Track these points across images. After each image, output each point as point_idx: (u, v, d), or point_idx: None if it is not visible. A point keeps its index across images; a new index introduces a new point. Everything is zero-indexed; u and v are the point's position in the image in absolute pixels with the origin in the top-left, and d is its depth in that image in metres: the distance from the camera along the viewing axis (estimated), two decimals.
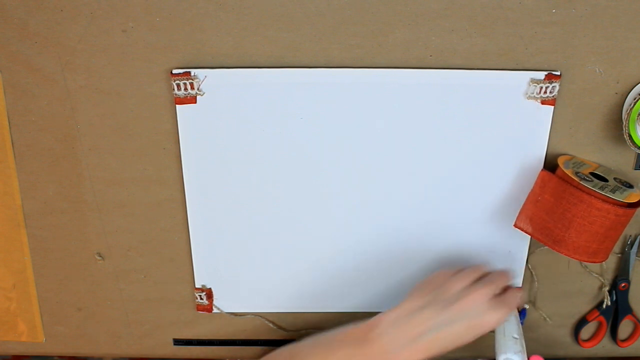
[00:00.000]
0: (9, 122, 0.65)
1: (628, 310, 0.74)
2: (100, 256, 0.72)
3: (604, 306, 0.73)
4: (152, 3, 0.59)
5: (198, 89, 0.62)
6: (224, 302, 0.74)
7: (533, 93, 0.62)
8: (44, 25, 0.60)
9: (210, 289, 0.73)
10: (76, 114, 0.64)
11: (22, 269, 0.72)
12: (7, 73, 0.63)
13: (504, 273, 0.65)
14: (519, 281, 0.72)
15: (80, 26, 0.60)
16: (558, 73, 0.61)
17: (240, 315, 0.75)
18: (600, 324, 0.75)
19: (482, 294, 0.61)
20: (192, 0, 0.59)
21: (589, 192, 0.60)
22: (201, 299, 0.73)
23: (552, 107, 0.62)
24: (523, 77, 0.61)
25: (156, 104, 0.64)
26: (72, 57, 0.62)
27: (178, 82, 0.62)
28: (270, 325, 0.75)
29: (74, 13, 0.60)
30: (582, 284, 0.73)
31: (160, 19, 0.60)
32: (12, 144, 0.66)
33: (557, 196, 0.62)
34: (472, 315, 0.60)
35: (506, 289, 0.64)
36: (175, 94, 0.62)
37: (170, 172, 0.67)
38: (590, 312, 0.74)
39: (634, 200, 0.60)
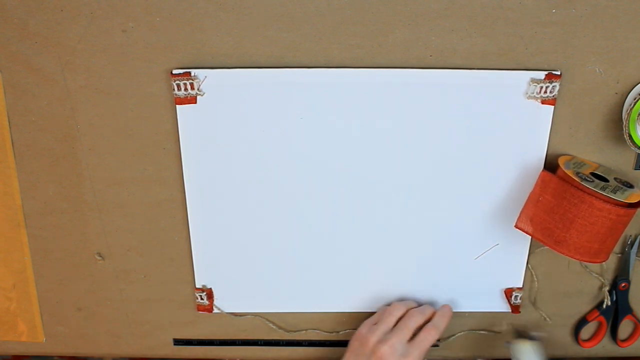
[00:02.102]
0: (9, 122, 0.65)
1: (628, 310, 0.74)
2: (100, 256, 0.72)
3: (604, 306, 0.73)
4: (152, 3, 0.59)
5: (198, 89, 0.62)
6: (224, 302, 0.74)
7: (533, 93, 0.62)
8: (44, 25, 0.60)
9: (210, 289, 0.73)
10: (76, 114, 0.64)
11: (22, 269, 0.72)
12: (7, 73, 0.63)
13: (420, 311, 0.69)
14: (519, 281, 0.72)
15: (80, 26, 0.60)
16: (558, 73, 0.61)
17: (240, 316, 0.75)
18: (600, 324, 0.75)
19: (392, 345, 0.65)
20: (192, 0, 0.59)
21: (590, 193, 0.60)
22: (201, 299, 0.73)
23: (552, 106, 0.62)
24: (523, 77, 0.61)
25: (156, 104, 0.64)
26: (72, 57, 0.62)
27: (178, 82, 0.62)
28: (270, 325, 0.75)
29: (74, 13, 0.60)
30: (582, 284, 0.73)
31: (160, 19, 0.60)
32: (12, 144, 0.66)
33: (558, 197, 0.62)
34: None
35: (422, 327, 0.68)
36: (176, 94, 0.62)
37: (170, 172, 0.67)
38: (590, 312, 0.74)
39: (634, 200, 0.60)
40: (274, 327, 0.75)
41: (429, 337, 0.66)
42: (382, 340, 0.65)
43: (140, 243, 0.71)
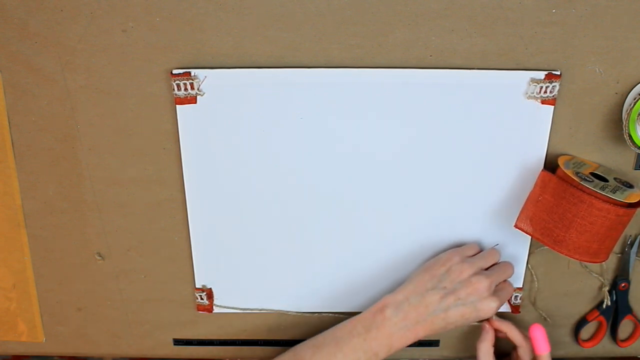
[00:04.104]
0: (9, 122, 0.65)
1: (628, 310, 0.74)
2: (100, 256, 0.72)
3: (604, 306, 0.73)
4: (152, 3, 0.59)
5: (198, 89, 0.62)
6: (224, 302, 0.74)
7: (533, 93, 0.62)
8: (44, 25, 0.60)
9: (210, 289, 0.73)
10: (76, 114, 0.64)
11: (22, 269, 0.72)
12: (7, 73, 0.63)
13: (507, 266, 0.69)
14: (519, 281, 0.72)
15: (80, 26, 0.60)
16: (558, 73, 0.61)
17: (241, 314, 0.75)
18: (600, 324, 0.75)
19: (486, 286, 0.64)
20: (192, 0, 0.59)
21: (590, 193, 0.60)
22: (201, 299, 0.73)
23: (552, 106, 0.62)
24: (523, 77, 0.61)
25: (156, 104, 0.64)
26: (72, 57, 0.62)
27: (178, 82, 0.62)
28: (280, 310, 0.74)
29: (74, 13, 0.60)
30: (582, 284, 0.73)
31: (160, 19, 0.60)
32: (12, 144, 0.66)
33: (558, 196, 0.62)
34: (472, 303, 0.64)
35: (502, 282, 0.68)
36: (176, 94, 0.62)
37: (170, 172, 0.67)
38: (590, 312, 0.74)
39: (634, 200, 0.60)
40: (284, 310, 0.74)
41: (509, 293, 0.68)
42: (475, 277, 0.64)
43: (140, 243, 0.71)
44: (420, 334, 0.64)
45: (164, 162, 0.66)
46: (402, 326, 0.64)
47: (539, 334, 0.67)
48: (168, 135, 0.65)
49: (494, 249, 0.69)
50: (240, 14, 0.59)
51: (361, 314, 0.66)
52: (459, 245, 0.69)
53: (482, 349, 0.69)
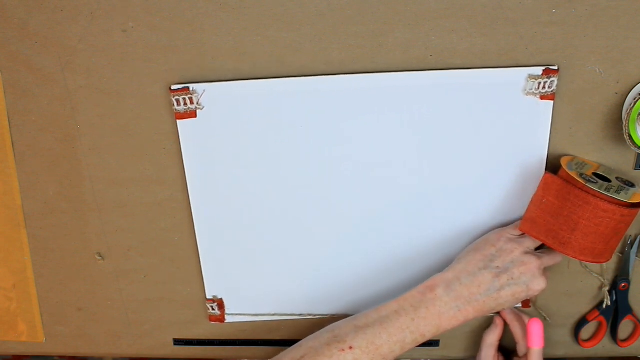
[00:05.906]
0: (9, 122, 0.65)
1: (628, 310, 0.74)
2: (100, 256, 0.72)
3: (604, 306, 0.73)
4: (152, 3, 0.59)
5: (197, 103, 0.62)
6: (235, 311, 0.73)
7: (532, 89, 0.62)
8: (44, 25, 0.60)
9: (221, 299, 0.72)
10: (76, 114, 0.64)
11: (22, 269, 0.72)
12: (7, 73, 0.63)
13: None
14: None
15: (80, 26, 0.60)
16: (555, 67, 0.61)
17: (252, 320, 0.74)
18: (600, 324, 0.75)
19: (537, 265, 0.63)
20: (192, 0, 0.59)
21: (595, 194, 0.60)
22: (213, 309, 0.73)
23: (552, 101, 0.62)
24: (521, 74, 0.61)
25: (156, 104, 0.64)
26: (72, 57, 0.62)
27: (177, 97, 0.61)
28: (292, 318, 0.74)
29: (74, 13, 0.60)
30: (582, 284, 0.73)
31: (160, 19, 0.60)
32: (12, 144, 0.66)
33: (562, 198, 0.61)
34: (524, 283, 0.63)
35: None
36: (175, 110, 0.62)
37: (170, 172, 0.67)
38: (590, 312, 0.74)
39: (638, 200, 0.60)
40: (295, 317, 0.74)
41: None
42: (527, 257, 0.63)
43: (140, 243, 0.71)
44: (471, 315, 0.63)
45: (164, 162, 0.66)
46: (453, 306, 0.62)
47: (536, 328, 0.67)
48: (168, 135, 0.65)
49: None
50: (240, 14, 0.59)
51: (408, 292, 0.64)
52: (459, 244, 0.69)
53: (486, 340, 0.70)
